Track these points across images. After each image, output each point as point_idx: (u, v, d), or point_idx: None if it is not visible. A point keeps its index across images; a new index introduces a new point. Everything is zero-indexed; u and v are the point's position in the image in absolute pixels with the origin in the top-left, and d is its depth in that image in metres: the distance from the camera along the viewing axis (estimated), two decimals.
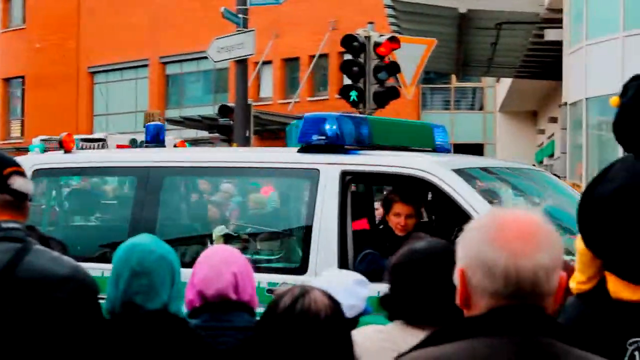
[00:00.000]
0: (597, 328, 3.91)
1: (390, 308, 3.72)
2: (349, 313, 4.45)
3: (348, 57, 16.65)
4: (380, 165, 7.18)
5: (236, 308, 3.97)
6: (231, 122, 20.15)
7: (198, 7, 44.72)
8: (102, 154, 8.91)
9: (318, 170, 7.13)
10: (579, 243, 4.07)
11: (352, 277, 4.59)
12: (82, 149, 12.73)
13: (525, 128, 39.99)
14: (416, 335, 3.42)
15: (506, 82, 36.03)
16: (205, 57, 21.15)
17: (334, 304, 2.95)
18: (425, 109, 45.48)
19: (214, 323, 3.93)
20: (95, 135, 22.67)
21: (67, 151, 8.35)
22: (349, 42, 16.18)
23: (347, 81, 16.59)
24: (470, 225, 2.42)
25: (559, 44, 23.79)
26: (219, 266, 4.02)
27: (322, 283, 4.54)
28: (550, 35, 24.07)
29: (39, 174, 8.20)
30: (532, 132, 39.69)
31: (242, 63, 20.35)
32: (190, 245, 7.86)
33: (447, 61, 31.01)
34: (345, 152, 7.24)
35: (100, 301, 3.50)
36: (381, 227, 7.46)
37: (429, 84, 45.57)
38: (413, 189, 7.34)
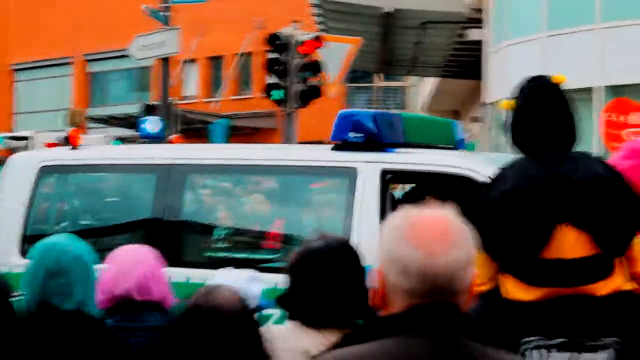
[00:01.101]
0: (493, 328, 3.95)
1: (288, 308, 3.66)
2: None
3: (273, 55, 16.65)
4: (425, 164, 6.88)
5: (147, 308, 3.94)
6: None
7: (122, 4, 44.31)
8: (114, 150, 8.34)
9: (356, 168, 6.81)
10: None
11: (245, 274, 4.55)
12: (10, 147, 12.04)
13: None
14: (311, 336, 3.41)
15: (430, 82, 36.27)
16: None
17: (242, 301, 2.98)
18: (349, 107, 45.56)
19: (126, 323, 3.89)
20: (20, 133, 22.34)
21: (74, 147, 7.84)
22: (273, 40, 16.22)
23: (272, 80, 16.60)
24: (385, 225, 2.41)
25: (481, 44, 24.02)
26: (127, 267, 3.97)
27: (214, 282, 4.52)
28: (473, 35, 24.28)
29: (46, 170, 7.75)
30: None
31: (165, 61, 20.25)
32: (217, 245, 7.53)
33: (372, 60, 31.08)
34: (383, 150, 6.91)
35: None
36: None
37: (353, 82, 45.66)
38: (449, 190, 7.04)
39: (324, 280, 3.50)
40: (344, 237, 3.80)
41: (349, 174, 6.84)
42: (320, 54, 16.43)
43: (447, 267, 2.29)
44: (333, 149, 7.05)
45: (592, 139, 16.68)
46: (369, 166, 6.77)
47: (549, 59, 18.80)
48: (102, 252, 7.39)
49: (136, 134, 22.33)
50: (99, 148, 8.38)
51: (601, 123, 15.75)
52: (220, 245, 7.51)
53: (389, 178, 6.85)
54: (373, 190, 6.71)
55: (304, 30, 17.11)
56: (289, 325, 3.59)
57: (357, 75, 44.51)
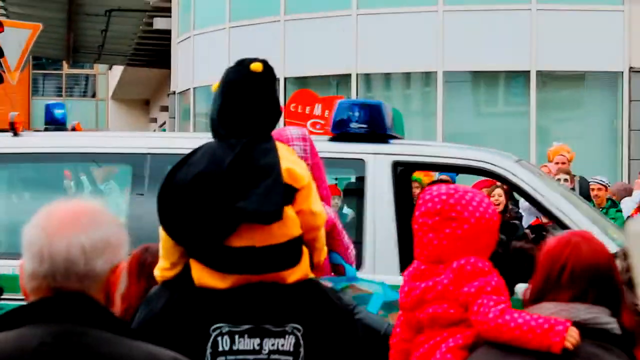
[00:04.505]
0: (182, 315, 3.92)
1: None
2: None
3: None
4: (442, 157, 6.65)
5: None
6: None
7: None
8: (65, 138, 7.29)
9: (363, 160, 6.46)
10: (161, 230, 4.05)
11: None
12: None
13: (138, 116, 40.09)
14: None
15: (118, 70, 35.96)
16: None
17: None
18: (36, 94, 44.53)
19: None
20: None
21: (16, 134, 6.84)
22: None
23: None
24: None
25: (168, 33, 24.02)
26: None
27: None
28: (160, 23, 24.25)
29: None
30: (145, 121, 39.86)
31: None
32: None
33: (57, 47, 30.52)
34: (386, 141, 6.56)
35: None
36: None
37: (40, 69, 44.62)
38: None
39: None
40: None
41: (355, 166, 6.56)
42: None
43: (66, 250, 2.32)
44: (331, 139, 6.67)
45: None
46: (377, 158, 6.43)
47: (233, 50, 19.02)
48: None
49: None
50: (43, 136, 7.35)
51: (285, 114, 16.09)
52: None
53: (400, 170, 6.56)
54: (385, 183, 6.37)
55: None
56: None
57: (44, 62, 43.52)
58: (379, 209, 6.39)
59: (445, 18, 17.62)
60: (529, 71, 17.45)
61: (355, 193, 6.71)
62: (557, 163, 11.32)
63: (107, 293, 2.39)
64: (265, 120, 4.16)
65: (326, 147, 6.62)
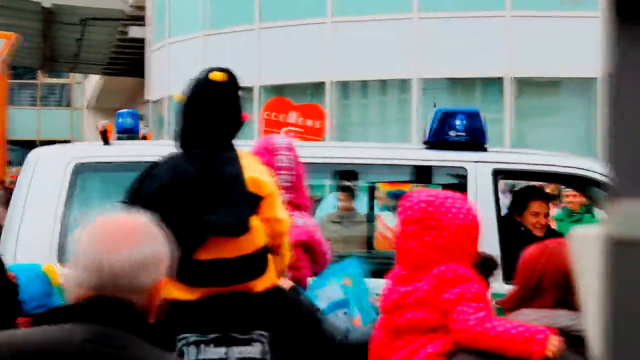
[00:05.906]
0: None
1: None
2: None
3: None
4: (543, 165, 6.61)
5: None
6: None
7: None
8: (156, 147, 6.99)
9: (465, 168, 6.40)
10: None
11: None
12: None
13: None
14: None
15: (94, 79, 35.90)
16: None
17: None
18: (12, 104, 44.29)
19: None
20: None
21: (107, 143, 6.70)
22: None
23: None
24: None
25: (144, 42, 23.99)
26: None
27: None
28: (134, 32, 24.23)
29: (82, 169, 6.58)
30: None
31: None
32: None
33: (33, 56, 30.46)
34: (485, 149, 6.51)
35: None
36: (522, 228, 6.87)
37: (16, 79, 44.40)
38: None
39: None
40: None
41: (458, 175, 6.49)
42: None
43: (117, 265, 2.43)
44: (429, 148, 6.60)
45: (253, 137, 17.01)
46: (479, 166, 6.39)
47: (209, 58, 18.97)
48: None
49: None
50: (134, 144, 7.19)
51: (261, 122, 16.07)
52: None
53: (500, 178, 6.57)
54: (487, 191, 6.32)
55: None
56: None
57: (19, 71, 43.38)
58: (481, 218, 6.42)
59: (420, 25, 17.62)
60: (503, 77, 17.48)
61: None
62: None
63: (148, 304, 2.52)
64: (227, 130, 4.14)
65: (425, 155, 6.64)
